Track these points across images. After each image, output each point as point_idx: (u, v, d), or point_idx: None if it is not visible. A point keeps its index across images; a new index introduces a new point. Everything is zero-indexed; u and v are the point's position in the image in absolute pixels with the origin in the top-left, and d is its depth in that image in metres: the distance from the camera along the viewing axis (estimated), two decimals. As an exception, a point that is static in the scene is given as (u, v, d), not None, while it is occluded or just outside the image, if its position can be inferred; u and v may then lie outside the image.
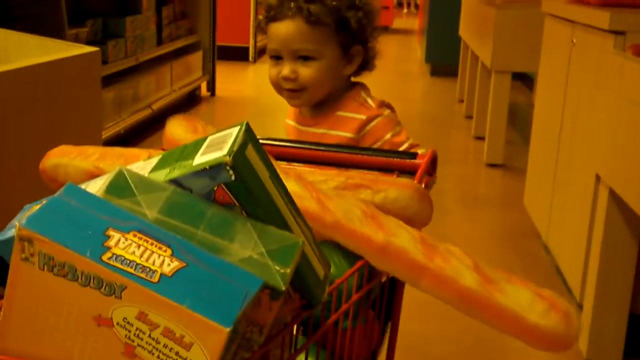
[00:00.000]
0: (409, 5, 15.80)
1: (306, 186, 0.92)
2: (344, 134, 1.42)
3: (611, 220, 2.02)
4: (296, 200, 0.80)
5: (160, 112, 4.76)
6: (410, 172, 1.15)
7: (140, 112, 4.40)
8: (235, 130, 0.77)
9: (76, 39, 3.79)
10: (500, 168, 4.23)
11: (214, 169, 0.73)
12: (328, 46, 1.39)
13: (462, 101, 5.80)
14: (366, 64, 1.48)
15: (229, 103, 5.86)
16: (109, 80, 4.03)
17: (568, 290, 2.41)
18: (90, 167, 1.11)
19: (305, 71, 1.40)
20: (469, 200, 3.78)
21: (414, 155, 1.16)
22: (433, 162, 1.15)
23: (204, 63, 5.73)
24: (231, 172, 0.73)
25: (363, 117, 1.41)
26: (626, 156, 1.85)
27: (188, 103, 5.48)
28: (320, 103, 1.46)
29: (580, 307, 2.19)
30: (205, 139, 0.79)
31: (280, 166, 1.01)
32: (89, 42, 3.93)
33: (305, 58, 1.40)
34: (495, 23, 4.09)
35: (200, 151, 0.77)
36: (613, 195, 1.97)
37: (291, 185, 0.87)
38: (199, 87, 5.73)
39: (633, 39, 2.04)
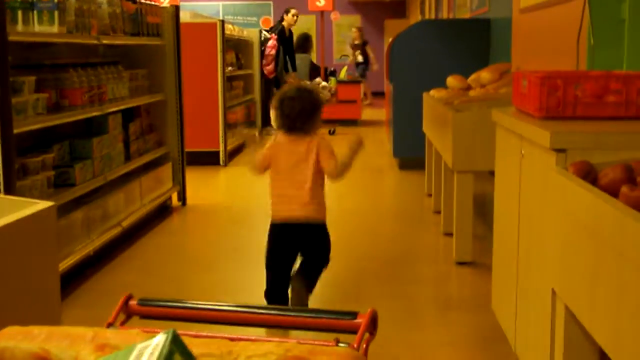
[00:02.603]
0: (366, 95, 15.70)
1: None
2: None
3: (570, 335, 2.05)
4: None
5: (131, 228, 4.79)
6: (350, 332, 1.18)
7: (110, 230, 4.42)
8: (162, 340, 0.80)
9: (43, 165, 3.84)
10: (469, 266, 4.27)
11: (141, 384, 0.76)
12: None
13: (430, 195, 5.89)
14: None
15: (201, 212, 5.89)
16: (77, 203, 4.07)
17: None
18: (37, 349, 1.13)
19: None
20: (440, 302, 3.80)
21: (354, 315, 1.19)
22: (373, 321, 1.19)
23: (173, 173, 5.77)
24: (157, 386, 0.76)
25: None
26: (577, 276, 1.88)
27: (159, 215, 5.51)
28: None
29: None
30: (134, 347, 0.82)
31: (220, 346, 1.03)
32: (55, 167, 3.98)
33: None
34: (454, 125, 4.19)
35: (129, 363, 0.79)
36: (570, 310, 2.00)
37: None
38: (169, 198, 5.76)
39: (574, 155, 2.11)
